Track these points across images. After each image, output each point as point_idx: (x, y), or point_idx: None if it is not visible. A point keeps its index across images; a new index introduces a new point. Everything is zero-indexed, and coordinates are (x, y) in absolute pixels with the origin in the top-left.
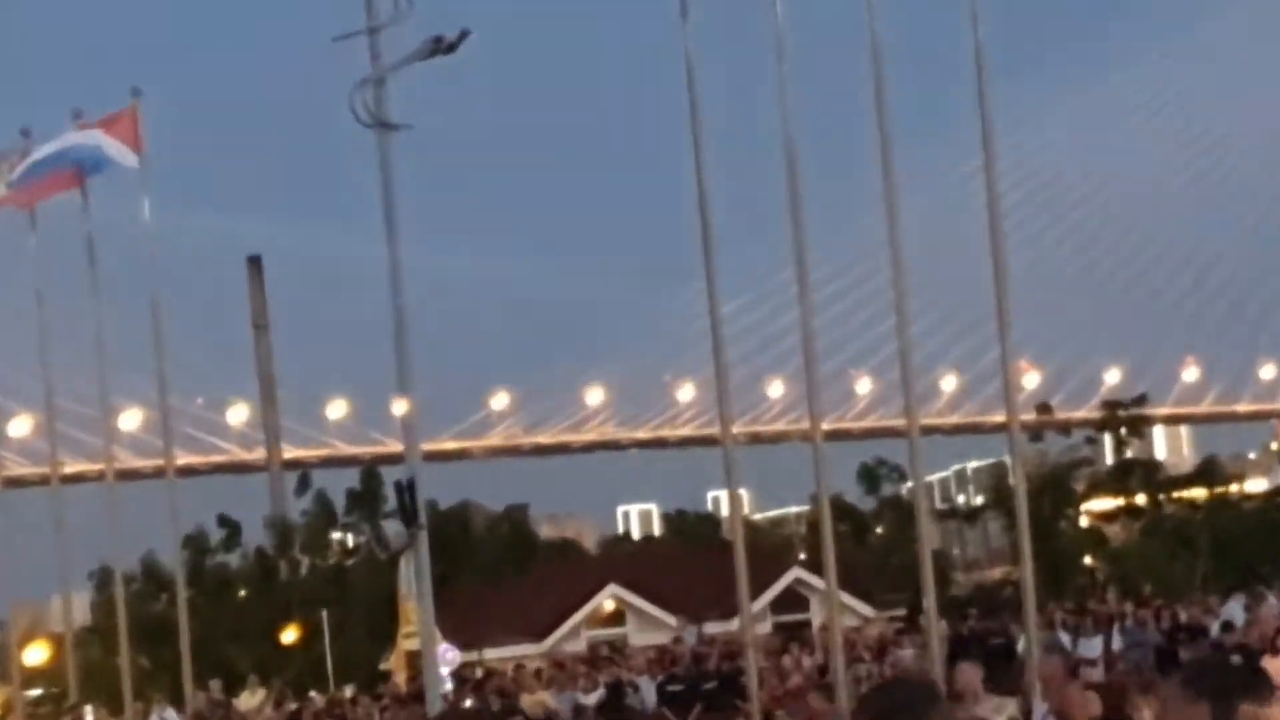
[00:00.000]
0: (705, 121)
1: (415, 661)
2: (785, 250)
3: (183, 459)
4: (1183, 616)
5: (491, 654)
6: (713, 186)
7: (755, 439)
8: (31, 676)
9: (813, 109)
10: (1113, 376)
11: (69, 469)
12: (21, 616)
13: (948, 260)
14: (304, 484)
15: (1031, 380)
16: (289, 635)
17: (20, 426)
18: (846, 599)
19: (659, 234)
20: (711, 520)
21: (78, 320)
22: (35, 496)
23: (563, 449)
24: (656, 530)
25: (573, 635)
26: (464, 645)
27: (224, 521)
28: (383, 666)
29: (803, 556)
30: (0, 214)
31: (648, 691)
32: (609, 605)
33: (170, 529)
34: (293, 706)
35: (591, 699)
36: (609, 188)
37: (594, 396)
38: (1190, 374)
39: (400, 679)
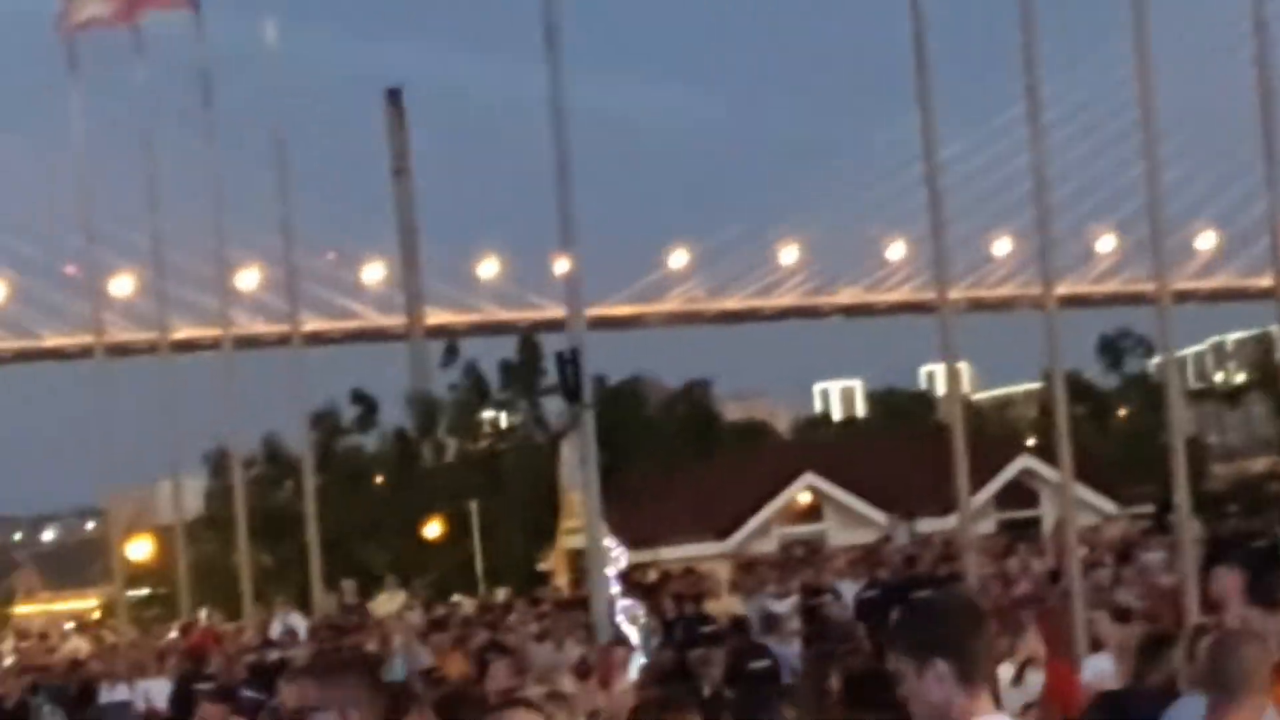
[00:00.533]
0: None
1: (578, 561)
2: (1015, 83)
3: (311, 324)
4: None
5: (668, 554)
6: (930, 5)
7: (977, 305)
8: (137, 574)
9: None
10: None
11: (180, 334)
12: (125, 506)
13: (1207, 94)
14: (451, 354)
15: None
16: (433, 530)
17: (123, 285)
18: (1083, 493)
19: (865, 62)
20: (925, 400)
21: (190, 163)
22: (141, 366)
23: (752, 316)
24: (861, 411)
25: (762, 533)
26: (636, 543)
27: (358, 397)
28: (541, 567)
29: (1032, 443)
30: (99, 39)
31: (849, 598)
32: (804, 498)
33: (296, 405)
34: (438, 612)
35: (784, 606)
36: (803, 5)
37: (788, 254)
38: None
39: (561, 581)
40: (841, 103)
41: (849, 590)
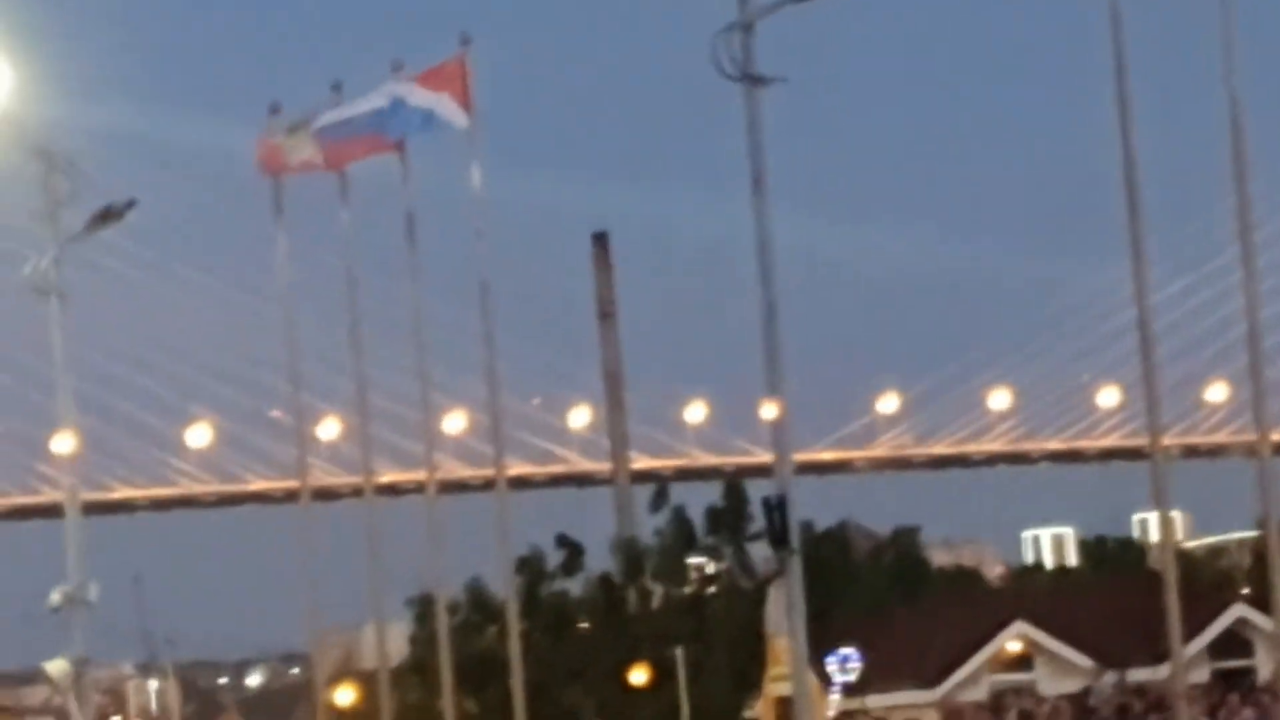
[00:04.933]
0: (1134, 76)
1: (786, 709)
2: (1228, 227)
3: (516, 469)
4: None
5: (876, 700)
6: (1141, 152)
7: (1191, 452)
8: None
9: (1262, 60)
10: None
11: (384, 479)
12: (329, 651)
13: None
14: (659, 499)
15: None
16: (638, 676)
17: (329, 429)
18: None
19: (1080, 207)
20: (1137, 548)
21: (395, 307)
22: (345, 511)
23: (961, 461)
24: (1071, 559)
25: (972, 681)
26: (844, 690)
27: (563, 542)
28: (747, 715)
29: (1246, 591)
30: (307, 182)
31: None
32: (1014, 646)
33: (501, 550)
34: None
35: None
36: (1019, 152)
37: (998, 400)
38: None
39: None
40: (1055, 245)
41: None
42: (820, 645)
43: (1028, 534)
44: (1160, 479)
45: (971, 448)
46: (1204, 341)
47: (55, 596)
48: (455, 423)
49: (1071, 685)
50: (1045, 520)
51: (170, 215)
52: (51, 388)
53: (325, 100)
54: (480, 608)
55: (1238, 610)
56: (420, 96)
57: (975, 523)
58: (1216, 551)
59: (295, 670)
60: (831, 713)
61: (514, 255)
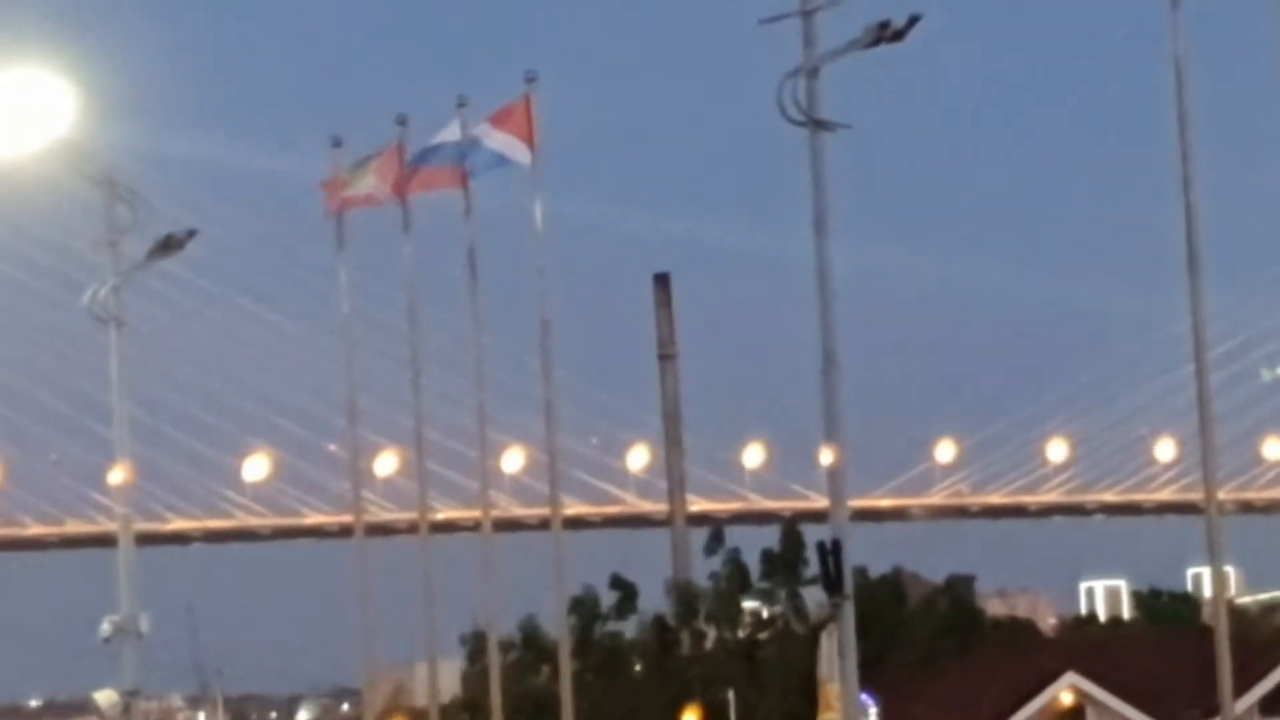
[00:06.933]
0: (1197, 125)
1: None
2: None
3: (572, 508)
4: None
5: None
6: (1215, 196)
7: (1246, 507)
8: None
9: None
10: None
11: (440, 515)
12: (381, 687)
13: None
14: (714, 542)
15: None
16: (689, 719)
17: (386, 465)
18: None
19: (1147, 248)
20: (1190, 602)
21: (455, 342)
22: (401, 547)
23: (1017, 512)
24: (1125, 611)
25: None
26: None
27: (618, 583)
28: None
29: None
30: (369, 216)
31: None
32: (1066, 698)
33: (556, 590)
34: None
35: None
36: (1083, 196)
37: (1056, 451)
38: None
39: None
40: (1123, 286)
41: None
42: (871, 692)
43: (1082, 585)
44: (1214, 534)
45: (1028, 498)
46: (1265, 397)
47: (106, 626)
48: (512, 460)
49: None
50: (1100, 572)
51: (231, 246)
52: (108, 416)
53: (390, 134)
54: (533, 647)
55: None
56: (492, 138)
57: (1030, 573)
58: (1270, 608)
59: (346, 706)
60: None
61: (575, 292)
